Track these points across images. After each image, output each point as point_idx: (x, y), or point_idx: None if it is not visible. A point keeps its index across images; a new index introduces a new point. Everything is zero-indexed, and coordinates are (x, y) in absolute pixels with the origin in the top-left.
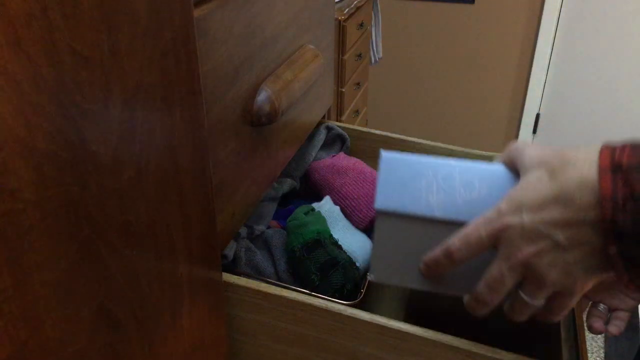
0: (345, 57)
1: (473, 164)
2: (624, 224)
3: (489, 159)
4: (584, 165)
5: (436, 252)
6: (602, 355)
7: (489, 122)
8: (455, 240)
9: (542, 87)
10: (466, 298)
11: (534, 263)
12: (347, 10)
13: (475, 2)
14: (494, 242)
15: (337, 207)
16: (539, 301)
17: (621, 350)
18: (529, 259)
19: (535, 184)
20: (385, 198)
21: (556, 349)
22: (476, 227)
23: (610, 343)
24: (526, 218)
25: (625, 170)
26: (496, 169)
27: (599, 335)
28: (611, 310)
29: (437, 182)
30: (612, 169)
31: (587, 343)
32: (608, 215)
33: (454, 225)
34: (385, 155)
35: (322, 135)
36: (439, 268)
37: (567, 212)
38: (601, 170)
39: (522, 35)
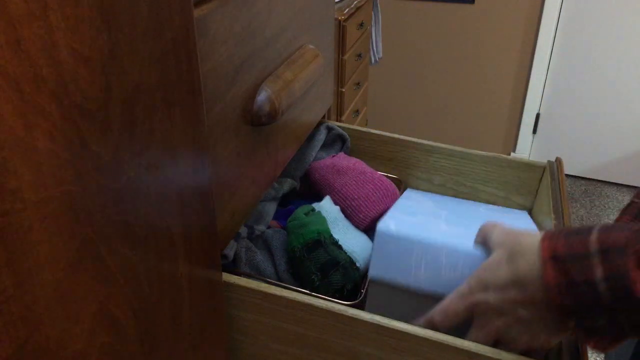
0: (345, 57)
1: (459, 247)
2: (571, 306)
3: (489, 159)
4: (531, 256)
5: (420, 321)
6: (602, 355)
7: (489, 122)
8: (436, 313)
9: (542, 87)
10: None
11: (504, 332)
12: (347, 10)
13: (475, 2)
14: (470, 314)
15: (337, 207)
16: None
17: (621, 350)
18: (499, 329)
19: (497, 267)
20: (379, 268)
21: (556, 349)
22: (453, 302)
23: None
24: (491, 297)
25: (562, 260)
26: (478, 255)
27: None
28: None
29: (425, 260)
30: (552, 259)
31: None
32: (556, 300)
33: (436, 296)
34: (381, 229)
35: (322, 135)
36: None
37: (523, 293)
38: (543, 260)
39: (522, 35)
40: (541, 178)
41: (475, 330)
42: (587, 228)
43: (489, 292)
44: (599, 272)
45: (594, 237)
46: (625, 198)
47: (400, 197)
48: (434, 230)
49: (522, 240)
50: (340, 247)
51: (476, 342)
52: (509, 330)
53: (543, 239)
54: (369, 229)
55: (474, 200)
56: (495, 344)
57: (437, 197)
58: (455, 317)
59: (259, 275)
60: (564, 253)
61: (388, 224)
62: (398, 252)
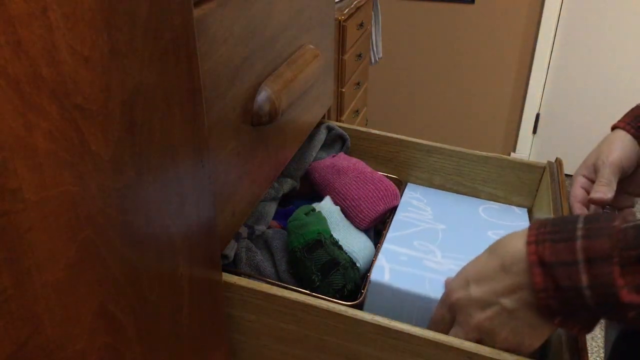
0: (345, 57)
1: None
2: (556, 307)
3: (489, 159)
4: (515, 246)
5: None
6: (602, 355)
7: (489, 122)
8: (429, 326)
9: (542, 87)
10: None
11: (486, 326)
12: (347, 10)
13: (475, 2)
14: (453, 314)
15: (338, 207)
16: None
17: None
18: (481, 324)
19: (476, 261)
20: (372, 311)
21: (556, 349)
22: (437, 308)
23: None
24: (473, 290)
25: (549, 266)
26: None
27: (599, 336)
28: (617, 210)
29: (417, 309)
30: (539, 264)
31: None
32: (543, 302)
33: None
34: (374, 279)
35: (322, 135)
36: None
37: (508, 279)
38: (531, 264)
39: (522, 35)
40: (541, 178)
41: (457, 329)
42: (571, 230)
43: (470, 287)
44: (584, 279)
45: (579, 245)
46: None
47: (401, 202)
48: (428, 271)
49: (501, 240)
50: (340, 247)
51: (457, 337)
52: (490, 325)
53: (529, 243)
54: (369, 229)
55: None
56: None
57: (437, 198)
58: (442, 322)
59: (259, 275)
60: (550, 260)
61: (382, 273)
62: (391, 300)
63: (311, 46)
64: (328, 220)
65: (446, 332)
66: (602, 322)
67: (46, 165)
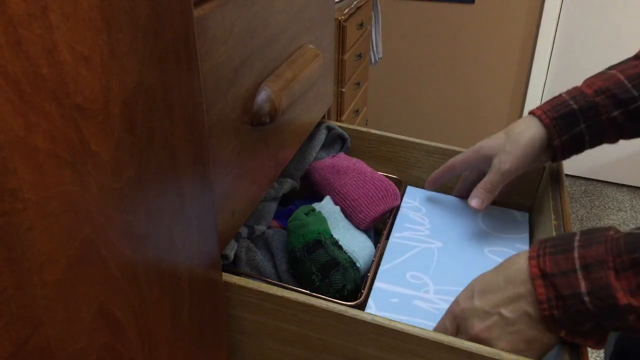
0: (345, 57)
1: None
2: (560, 317)
3: None
4: (519, 262)
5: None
6: (602, 355)
7: (489, 122)
8: None
9: (542, 87)
10: None
11: (484, 337)
12: (347, 10)
13: (475, 2)
14: (456, 325)
15: (338, 208)
16: None
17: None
18: (481, 333)
19: (483, 275)
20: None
21: (556, 349)
22: (442, 320)
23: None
24: (477, 302)
25: (550, 276)
26: None
27: None
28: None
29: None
30: (541, 276)
31: None
32: (546, 312)
33: None
34: (376, 292)
35: (322, 135)
36: None
37: (508, 291)
38: (533, 277)
39: (522, 35)
40: (541, 178)
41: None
42: (569, 242)
43: (474, 298)
44: (583, 285)
45: (576, 254)
46: (625, 198)
47: (398, 216)
48: (417, 316)
49: (507, 259)
50: (340, 247)
51: None
52: (489, 336)
53: (530, 258)
54: (369, 230)
55: None
56: None
57: (436, 207)
58: (445, 333)
59: (259, 275)
60: (551, 271)
61: (370, 304)
62: (392, 305)
63: (311, 46)
64: (328, 220)
65: None
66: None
67: (46, 165)
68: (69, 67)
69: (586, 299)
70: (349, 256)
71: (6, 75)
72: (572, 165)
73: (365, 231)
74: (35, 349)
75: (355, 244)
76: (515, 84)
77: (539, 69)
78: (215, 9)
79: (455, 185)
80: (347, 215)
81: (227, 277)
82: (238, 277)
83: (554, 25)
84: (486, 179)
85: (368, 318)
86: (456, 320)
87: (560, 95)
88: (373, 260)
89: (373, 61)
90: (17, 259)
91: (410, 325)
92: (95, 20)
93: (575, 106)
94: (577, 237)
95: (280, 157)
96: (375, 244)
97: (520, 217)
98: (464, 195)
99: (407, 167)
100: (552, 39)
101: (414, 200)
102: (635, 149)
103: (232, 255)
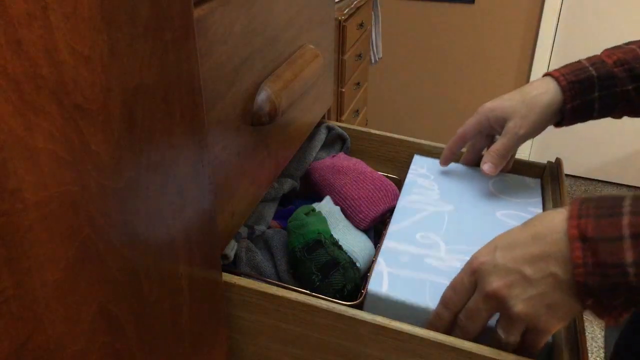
0: (345, 57)
1: None
2: (594, 285)
3: None
4: (551, 220)
5: (437, 306)
6: (602, 355)
7: None
8: (446, 290)
9: None
10: (455, 330)
11: (503, 295)
12: (347, 10)
13: (475, 2)
14: (475, 281)
15: (338, 208)
16: (513, 337)
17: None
18: (498, 291)
19: (509, 231)
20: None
21: (556, 349)
22: (459, 275)
23: (610, 344)
24: (499, 256)
25: (591, 241)
26: None
27: (599, 336)
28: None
29: (417, 319)
30: (580, 239)
31: (587, 343)
32: (581, 279)
33: None
34: (372, 291)
35: (322, 135)
36: (442, 321)
37: (536, 248)
38: (571, 239)
39: (522, 35)
40: (541, 178)
41: (475, 295)
42: (617, 206)
43: (496, 253)
44: (629, 256)
45: (625, 220)
46: None
47: (406, 182)
48: (429, 273)
49: (539, 215)
50: (340, 247)
51: (475, 309)
52: (508, 294)
53: (570, 217)
54: (369, 230)
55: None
56: (492, 338)
57: (445, 171)
58: (462, 289)
59: (259, 275)
60: (593, 236)
61: (380, 282)
62: (389, 310)
63: (311, 46)
64: (328, 220)
65: (462, 302)
66: (602, 322)
67: (46, 165)
68: (69, 67)
69: (630, 270)
70: (349, 256)
71: (6, 75)
72: (572, 165)
73: (365, 231)
74: (35, 349)
75: (355, 244)
76: (515, 84)
77: (539, 69)
78: (215, 9)
79: (463, 155)
80: (347, 215)
81: (227, 277)
82: (238, 277)
83: (554, 25)
84: (499, 143)
85: (368, 318)
86: (474, 276)
87: (579, 61)
88: (373, 260)
89: (373, 61)
90: (17, 259)
91: (410, 325)
92: (95, 20)
93: (594, 73)
94: (627, 202)
95: (280, 157)
96: (375, 244)
97: (532, 183)
98: (473, 164)
99: (407, 167)
100: (552, 39)
101: (421, 168)
102: (635, 149)
103: (232, 255)
